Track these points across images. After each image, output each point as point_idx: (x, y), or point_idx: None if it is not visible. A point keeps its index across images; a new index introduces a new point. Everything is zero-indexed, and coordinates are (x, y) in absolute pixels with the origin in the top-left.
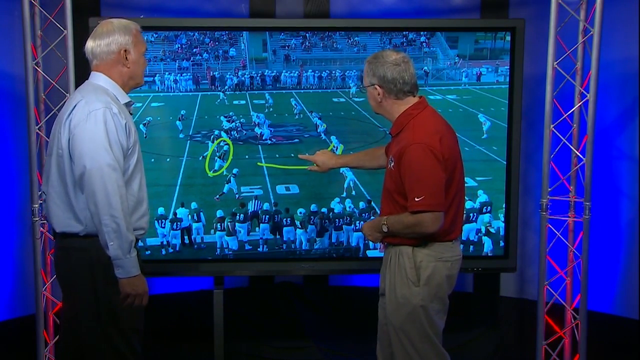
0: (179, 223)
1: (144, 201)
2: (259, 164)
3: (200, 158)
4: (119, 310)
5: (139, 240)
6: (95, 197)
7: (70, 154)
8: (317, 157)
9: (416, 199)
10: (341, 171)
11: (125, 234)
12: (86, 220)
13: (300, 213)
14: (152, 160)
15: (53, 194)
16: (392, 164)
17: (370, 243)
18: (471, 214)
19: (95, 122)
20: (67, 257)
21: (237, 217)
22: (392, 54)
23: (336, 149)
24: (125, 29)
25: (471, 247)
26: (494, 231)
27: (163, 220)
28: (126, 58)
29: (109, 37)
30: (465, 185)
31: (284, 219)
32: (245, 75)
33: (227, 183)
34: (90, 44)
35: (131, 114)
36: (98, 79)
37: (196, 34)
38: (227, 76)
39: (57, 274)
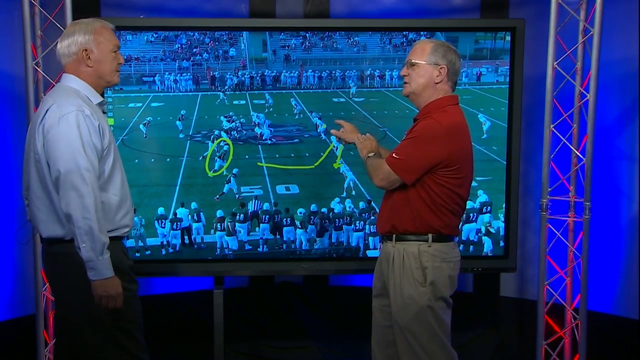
0: (179, 223)
1: (127, 199)
2: (258, 164)
3: (200, 158)
4: (116, 308)
5: (126, 238)
6: (68, 200)
7: (46, 159)
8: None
9: (394, 155)
10: (341, 171)
11: (97, 236)
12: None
13: (300, 213)
14: (152, 160)
15: (35, 200)
16: (406, 137)
17: (370, 243)
18: (471, 214)
19: (67, 126)
20: (56, 263)
21: (237, 217)
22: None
23: (336, 149)
24: (87, 28)
25: (471, 247)
26: (494, 231)
27: (163, 220)
28: (88, 57)
29: (70, 38)
30: None
31: (284, 219)
32: (245, 75)
33: (227, 183)
34: (58, 45)
35: (105, 113)
36: (69, 80)
37: (196, 34)
38: (227, 76)
39: (48, 280)
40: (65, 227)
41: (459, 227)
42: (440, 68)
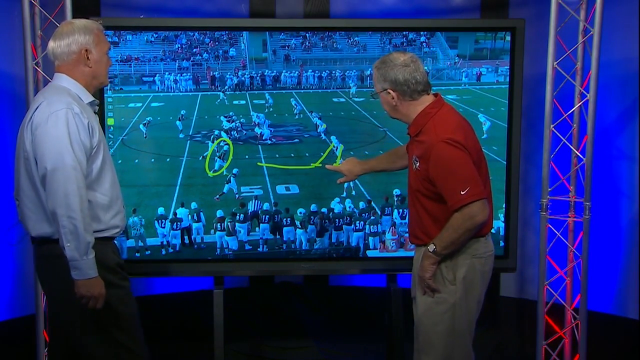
0: (179, 223)
1: (118, 199)
2: (258, 164)
3: (200, 158)
4: (110, 304)
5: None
6: (54, 198)
7: (34, 156)
8: (343, 166)
9: (462, 193)
10: None
11: (82, 236)
12: None
13: (300, 213)
14: (152, 160)
15: (25, 199)
16: (418, 165)
17: (370, 243)
18: None
19: (56, 123)
20: (47, 265)
21: (237, 217)
22: (399, 55)
23: (336, 149)
24: (86, 28)
25: None
26: (494, 231)
27: (163, 220)
28: (87, 58)
29: (69, 38)
30: None
31: (284, 219)
32: (245, 75)
33: (227, 183)
34: (51, 45)
35: (96, 113)
36: (61, 80)
37: (196, 34)
38: (227, 76)
39: (40, 282)
40: (53, 226)
41: (492, 219)
42: (388, 91)
